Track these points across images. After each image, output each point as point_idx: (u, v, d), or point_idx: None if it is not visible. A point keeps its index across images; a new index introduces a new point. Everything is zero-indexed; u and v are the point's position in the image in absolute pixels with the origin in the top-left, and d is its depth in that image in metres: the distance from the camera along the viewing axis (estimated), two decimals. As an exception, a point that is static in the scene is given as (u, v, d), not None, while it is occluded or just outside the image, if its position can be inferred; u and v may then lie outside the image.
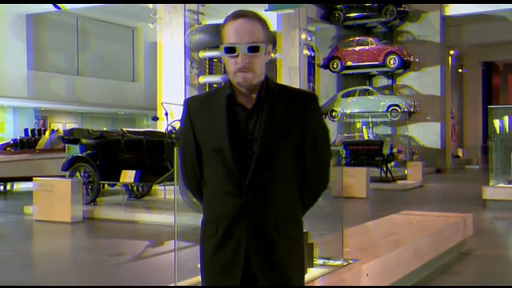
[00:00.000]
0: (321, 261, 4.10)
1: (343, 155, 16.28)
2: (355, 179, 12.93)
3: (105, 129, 17.21)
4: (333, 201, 11.75)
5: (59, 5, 12.14)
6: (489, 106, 13.08)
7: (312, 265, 3.87)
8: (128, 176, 9.82)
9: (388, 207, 10.39)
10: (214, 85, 13.12)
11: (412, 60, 22.82)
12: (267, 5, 17.29)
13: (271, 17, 18.73)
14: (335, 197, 12.83)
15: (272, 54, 2.46)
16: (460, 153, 30.49)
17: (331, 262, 4.11)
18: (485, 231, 8.36)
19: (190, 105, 2.15)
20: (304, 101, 2.08)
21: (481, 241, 7.30)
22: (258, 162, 1.99)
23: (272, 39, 2.12)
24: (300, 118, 2.05)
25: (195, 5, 14.46)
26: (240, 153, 2.00)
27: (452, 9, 23.20)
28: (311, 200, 2.20)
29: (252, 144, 2.00)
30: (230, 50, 2.00)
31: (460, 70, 33.31)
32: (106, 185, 11.26)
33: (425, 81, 23.66)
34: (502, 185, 11.57)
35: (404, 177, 16.55)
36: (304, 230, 3.46)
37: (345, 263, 4.07)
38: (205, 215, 2.11)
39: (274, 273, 2.00)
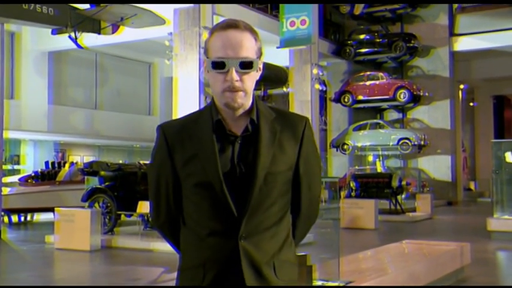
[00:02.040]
0: (320, 283, 4.52)
1: (354, 187, 16.70)
2: (364, 211, 13.33)
3: (120, 161, 17.81)
4: (342, 231, 12.14)
5: (79, 42, 12.79)
6: (492, 140, 13.45)
7: (311, 286, 4.29)
8: (145, 206, 10.30)
9: (395, 238, 10.70)
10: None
11: (421, 94, 23.29)
12: (278, 42, 17.90)
13: (284, 52, 19.38)
14: (344, 228, 13.25)
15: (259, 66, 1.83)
16: (472, 186, 30.63)
17: (330, 283, 4.53)
18: (486, 260, 8.70)
19: (167, 131, 1.86)
20: (301, 124, 1.87)
21: (480, 270, 7.65)
22: (256, 197, 1.74)
23: (261, 54, 1.85)
24: (298, 144, 1.84)
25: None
26: (234, 188, 1.74)
27: (460, 45, 23.73)
28: (304, 233, 2.00)
29: (247, 176, 1.74)
30: (218, 66, 1.75)
31: (471, 104, 33.67)
32: (123, 216, 11.75)
33: (435, 115, 24.06)
34: (506, 216, 11.87)
35: (413, 209, 16.86)
36: (303, 253, 3.94)
37: (341, 284, 4.49)
38: (185, 261, 1.83)
39: None
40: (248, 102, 1.80)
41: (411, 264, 5.58)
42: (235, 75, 1.74)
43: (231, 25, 1.78)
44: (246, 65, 1.76)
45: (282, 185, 1.81)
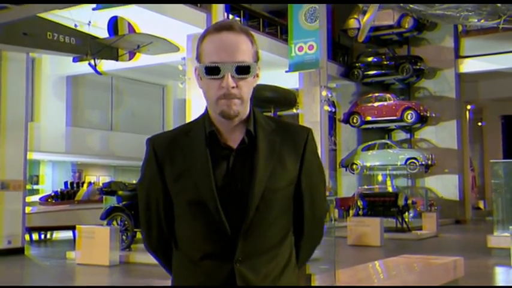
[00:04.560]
0: (318, 290, 5.09)
1: (361, 206, 17.23)
2: (370, 229, 13.85)
3: (134, 182, 18.45)
4: (348, 248, 12.72)
5: (98, 69, 13.53)
6: (491, 160, 13.97)
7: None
8: (160, 224, 10.90)
9: (399, 254, 11.22)
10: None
11: (428, 115, 23.81)
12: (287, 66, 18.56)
13: (294, 75, 20.03)
14: (351, 246, 13.79)
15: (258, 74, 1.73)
16: (481, 205, 30.95)
17: (327, 290, 5.10)
18: (481, 274, 9.22)
19: (156, 145, 1.73)
20: (302, 136, 1.73)
21: (473, 282, 8.16)
22: (253, 216, 1.61)
23: (258, 59, 1.72)
24: (299, 157, 1.71)
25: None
26: (229, 207, 1.61)
27: (466, 67, 24.29)
28: (308, 256, 1.87)
29: (242, 193, 1.62)
30: (212, 71, 1.62)
31: (479, 123, 34.13)
32: (138, 233, 12.36)
33: (442, 135, 24.56)
34: (506, 234, 12.34)
35: (419, 228, 17.32)
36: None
37: (337, 291, 5.06)
38: (177, 284, 1.72)
39: None
40: (245, 111, 1.67)
41: (405, 275, 6.14)
42: (231, 81, 1.61)
43: (225, 27, 1.65)
44: (243, 70, 1.62)
45: (282, 202, 1.67)
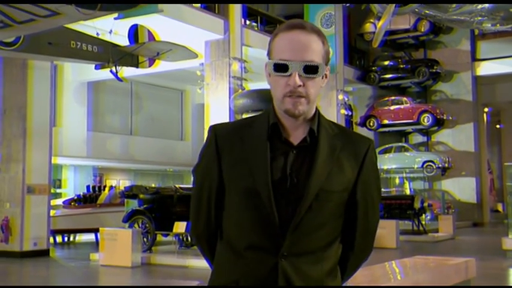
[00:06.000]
0: None
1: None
2: (385, 231, 14.02)
3: (153, 185, 18.83)
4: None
5: (119, 76, 13.92)
6: (505, 163, 14.07)
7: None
8: (180, 227, 11.24)
9: (413, 256, 11.44)
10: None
11: (445, 118, 23.89)
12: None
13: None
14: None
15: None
16: (499, 207, 30.83)
17: None
18: (494, 275, 9.40)
19: (218, 132, 1.75)
20: (364, 145, 1.74)
21: (486, 283, 8.36)
22: (304, 213, 1.61)
23: (328, 60, 1.73)
24: (358, 166, 1.71)
25: (239, 71, 16.08)
26: (282, 200, 1.62)
27: (482, 70, 24.34)
28: (354, 268, 1.83)
29: (297, 189, 1.63)
30: (280, 68, 1.63)
31: (497, 126, 34.05)
32: (159, 235, 12.71)
33: (459, 137, 24.61)
34: (521, 236, 12.47)
35: (436, 230, 17.46)
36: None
37: (350, 289, 5.31)
38: (217, 277, 1.72)
39: None
40: (310, 111, 1.69)
41: (415, 275, 6.37)
42: (298, 80, 1.61)
43: (296, 25, 1.66)
44: (311, 69, 1.63)
45: (335, 206, 1.67)
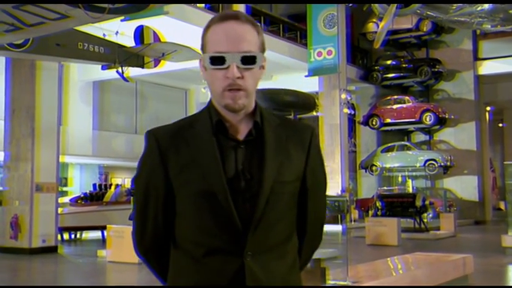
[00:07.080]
0: (333, 282, 5.60)
1: (380, 207, 17.65)
2: (387, 228, 14.28)
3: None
4: (366, 247, 13.18)
5: (125, 76, 14.17)
6: (505, 162, 14.27)
7: (324, 283, 5.38)
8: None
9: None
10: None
11: (447, 117, 24.07)
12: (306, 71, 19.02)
13: (314, 79, 20.48)
14: (369, 245, 14.25)
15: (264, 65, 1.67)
16: (502, 205, 30.97)
17: (341, 282, 5.60)
18: (492, 272, 9.62)
19: (159, 136, 1.66)
20: (307, 132, 1.72)
21: (483, 279, 8.59)
22: (263, 209, 1.57)
23: (263, 50, 1.67)
24: (305, 153, 1.69)
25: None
26: (237, 199, 1.57)
27: (484, 69, 24.51)
28: (308, 258, 1.82)
29: (251, 186, 1.58)
30: (217, 61, 1.58)
31: (500, 124, 34.20)
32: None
33: (461, 136, 24.79)
34: (520, 233, 12.68)
35: (437, 228, 17.66)
36: (317, 257, 5.05)
37: (349, 283, 5.56)
38: (177, 285, 1.64)
39: None
40: (251, 104, 1.64)
41: (414, 271, 6.61)
42: (236, 71, 1.56)
43: (230, 16, 1.61)
44: (249, 60, 1.58)
45: (289, 197, 1.65)
